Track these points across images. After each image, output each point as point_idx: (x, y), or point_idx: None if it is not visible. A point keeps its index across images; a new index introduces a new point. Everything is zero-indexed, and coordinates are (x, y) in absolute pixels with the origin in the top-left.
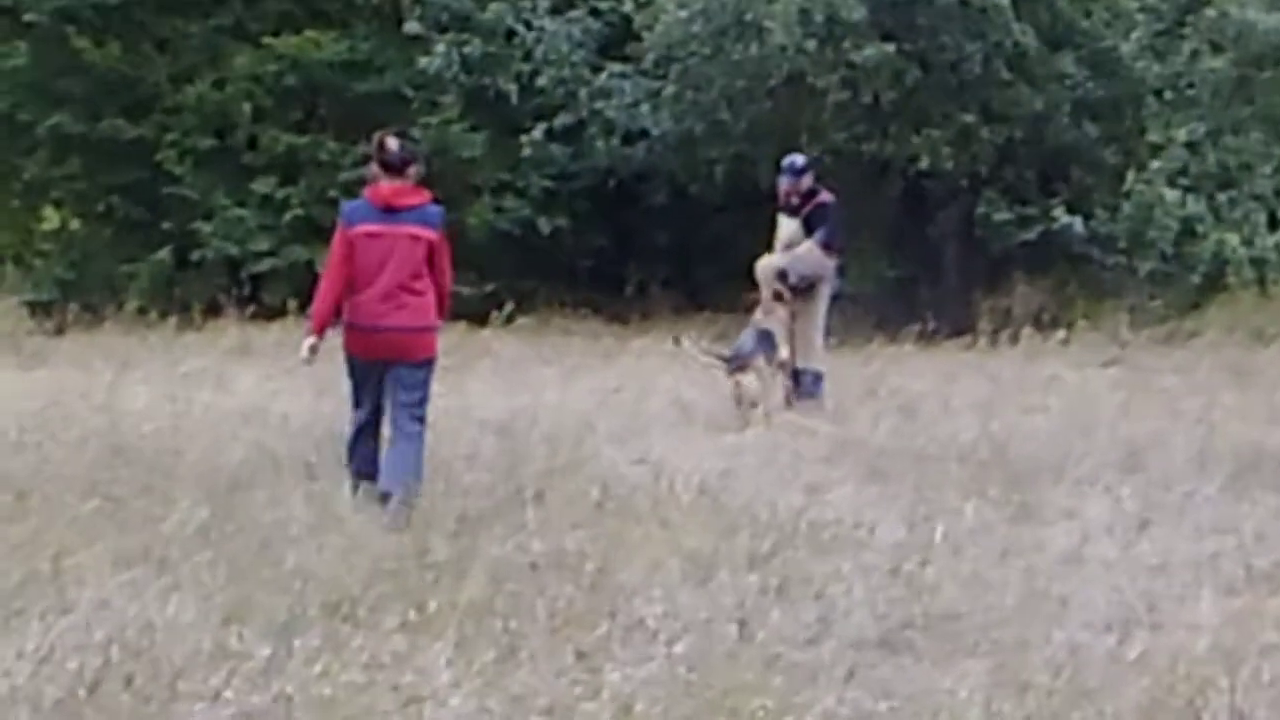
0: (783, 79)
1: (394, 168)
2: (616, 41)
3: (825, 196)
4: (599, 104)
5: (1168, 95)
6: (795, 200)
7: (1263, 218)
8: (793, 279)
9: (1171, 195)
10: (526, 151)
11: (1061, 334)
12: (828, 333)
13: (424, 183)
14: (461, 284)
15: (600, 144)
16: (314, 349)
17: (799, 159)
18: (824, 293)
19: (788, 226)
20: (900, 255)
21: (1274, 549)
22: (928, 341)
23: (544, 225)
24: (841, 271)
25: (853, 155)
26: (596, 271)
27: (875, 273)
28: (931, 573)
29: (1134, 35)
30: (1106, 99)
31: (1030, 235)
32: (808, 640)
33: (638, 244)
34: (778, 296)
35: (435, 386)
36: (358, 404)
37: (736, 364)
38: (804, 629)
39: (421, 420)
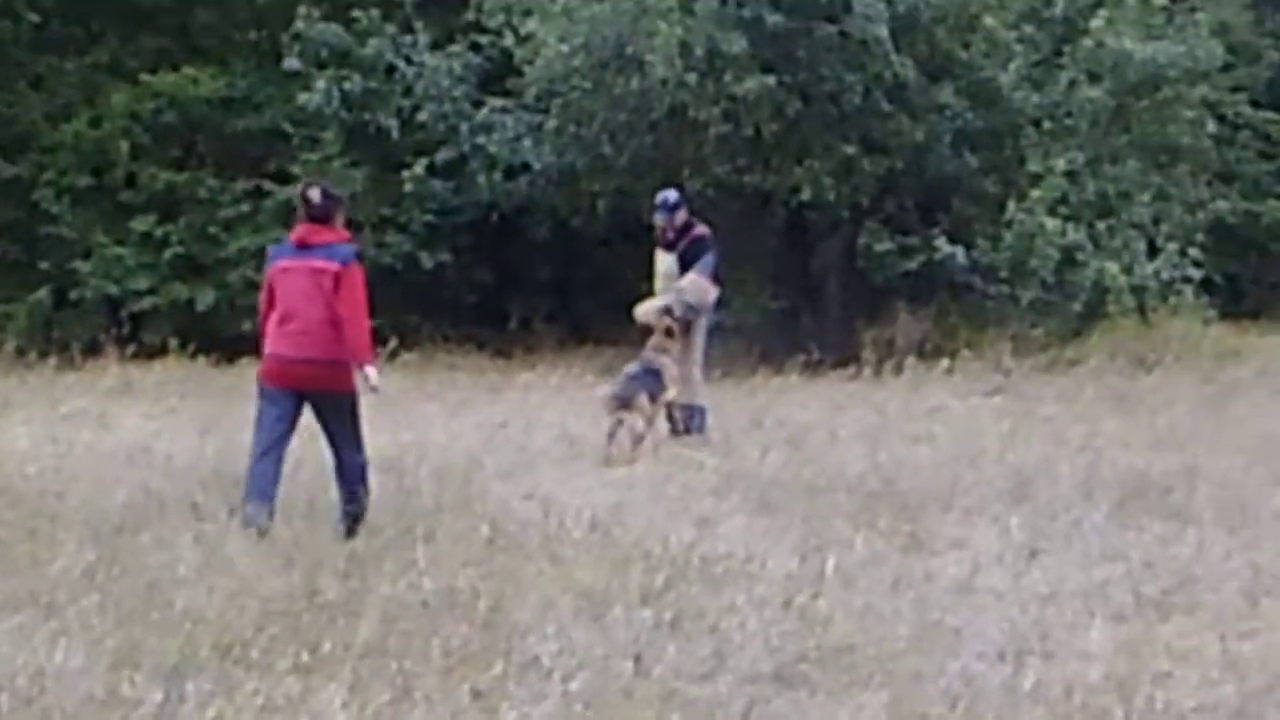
0: (664, 112)
1: (317, 217)
2: (497, 76)
3: (701, 230)
4: (480, 139)
5: (1046, 125)
6: (671, 235)
7: (1142, 246)
8: (678, 311)
9: (1052, 224)
10: (408, 187)
11: (945, 363)
12: (708, 365)
13: (348, 225)
14: None
15: (482, 179)
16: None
17: (671, 194)
18: (701, 326)
19: (665, 261)
20: (783, 286)
21: (1162, 576)
22: (812, 372)
23: (426, 260)
24: (720, 303)
25: (735, 187)
26: (480, 306)
27: (758, 304)
28: (824, 605)
29: (1012, 66)
30: (986, 129)
31: (912, 265)
32: (703, 675)
33: (521, 278)
34: (668, 333)
35: (313, 424)
36: (260, 427)
37: (619, 402)
38: (699, 664)
39: (358, 450)
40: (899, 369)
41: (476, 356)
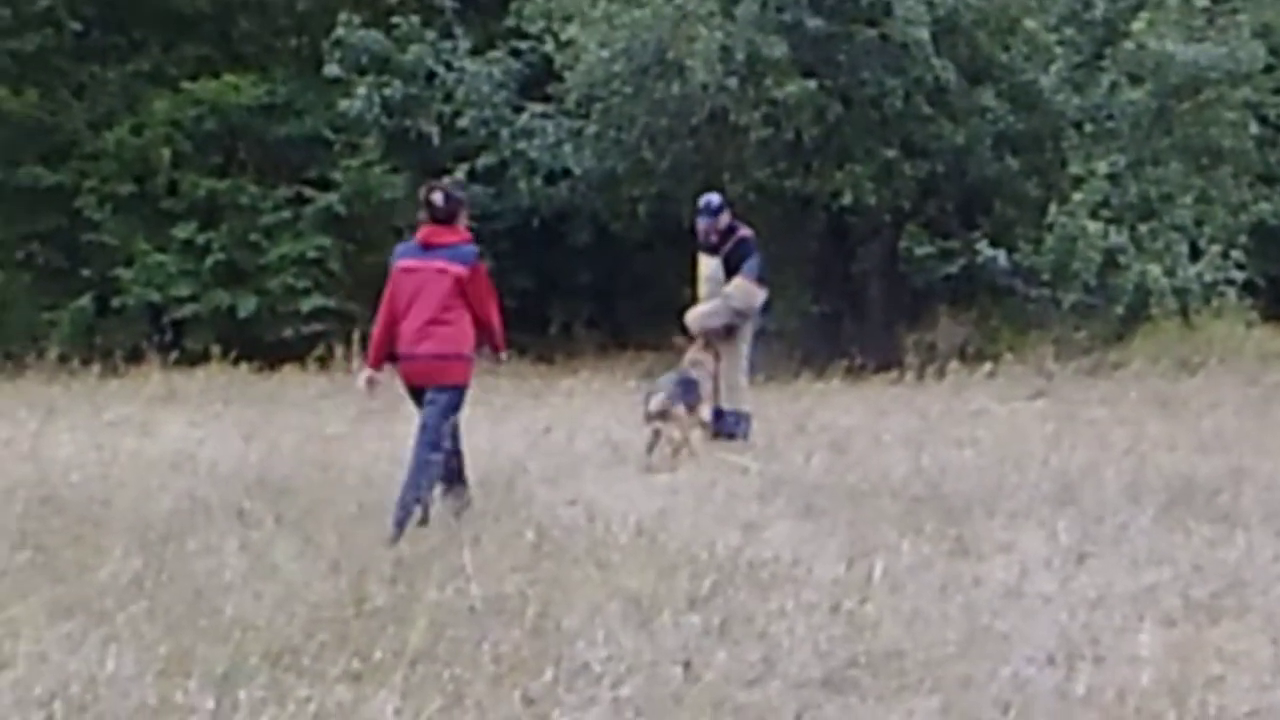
0: (705, 117)
1: (439, 219)
2: (538, 82)
3: (745, 232)
4: (521, 144)
5: (1088, 128)
6: (714, 239)
7: (1184, 248)
8: (723, 318)
9: (1094, 227)
10: None
11: (987, 367)
12: (752, 370)
13: (469, 227)
14: None
15: (523, 184)
16: (370, 381)
17: (715, 198)
18: (746, 332)
19: (708, 265)
20: (824, 291)
21: (1210, 579)
22: (854, 376)
23: None
24: (765, 308)
25: (775, 192)
26: (521, 312)
27: (800, 308)
28: (872, 610)
29: (1053, 68)
30: (1027, 132)
31: (953, 269)
32: (752, 681)
33: (561, 284)
34: (707, 346)
35: (362, 430)
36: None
37: (656, 411)
38: (748, 669)
39: (435, 447)
40: (941, 373)
41: (518, 362)
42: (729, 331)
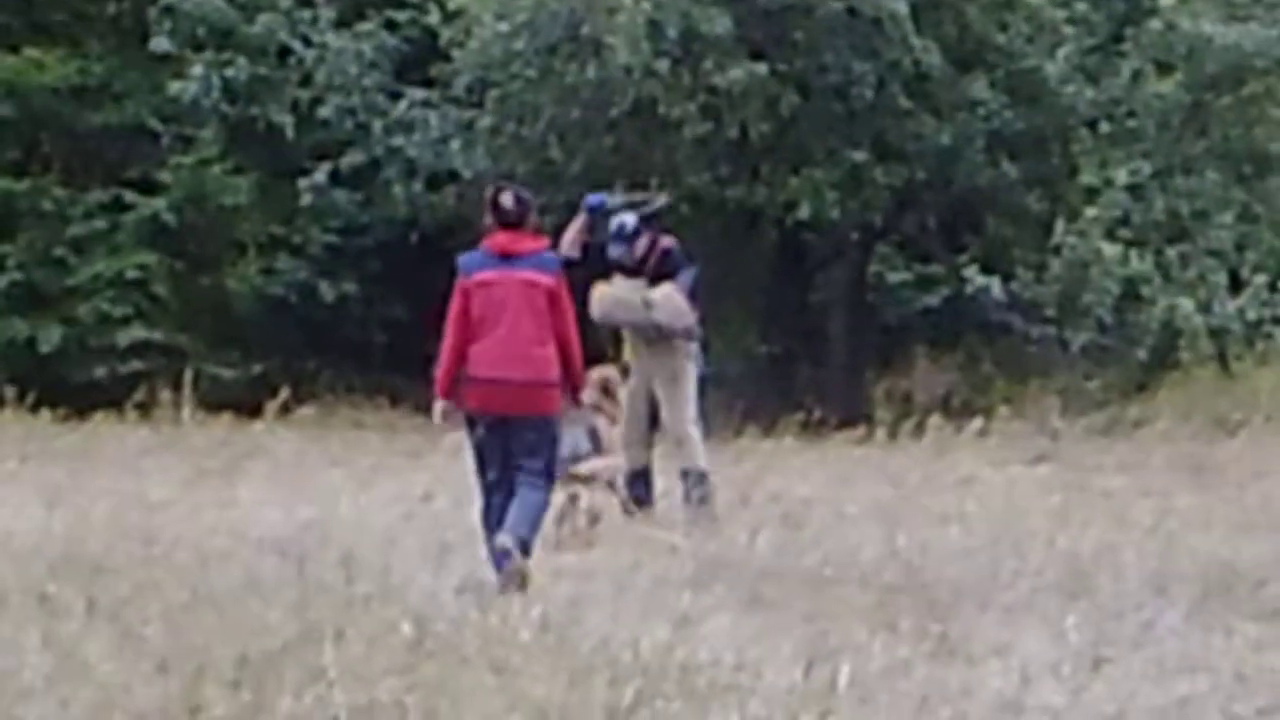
0: (627, 108)
1: (510, 223)
2: (419, 62)
3: (667, 242)
4: (397, 139)
5: (1104, 127)
6: (631, 264)
7: (1222, 278)
8: (641, 321)
9: (1111, 250)
10: (305, 199)
11: (977, 424)
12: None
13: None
14: (223, 364)
15: (399, 189)
16: (446, 414)
17: (629, 221)
18: (690, 372)
19: (625, 288)
20: (775, 326)
21: (1258, 691)
22: (812, 434)
23: (327, 291)
24: (705, 347)
25: (715, 202)
26: (394, 348)
27: (744, 348)
28: None
29: (1061, 53)
30: (1029, 131)
31: (934, 300)
32: None
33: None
34: (604, 390)
35: (195, 495)
36: (482, 471)
37: (568, 472)
38: None
39: (543, 488)
40: (919, 430)
41: (390, 412)
42: (665, 354)
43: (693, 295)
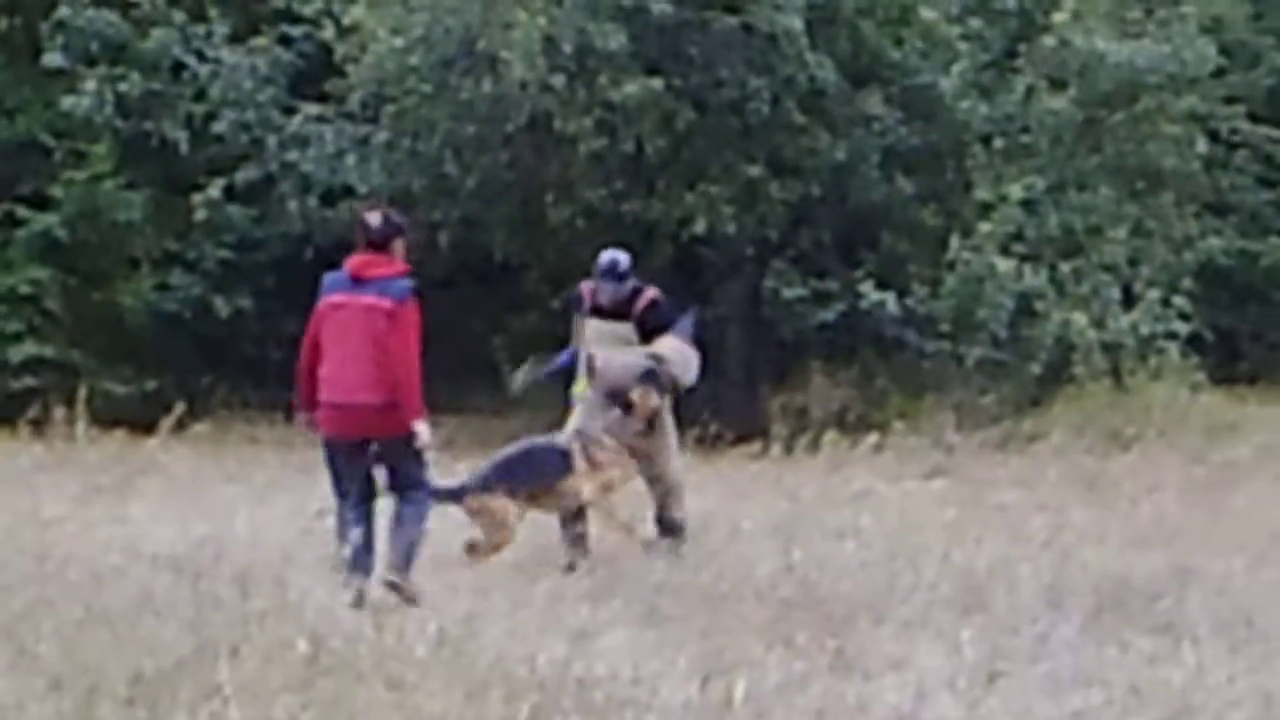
0: (523, 123)
1: (376, 244)
2: (313, 77)
3: (652, 292)
4: (291, 154)
5: (998, 142)
6: (607, 304)
7: (1116, 292)
8: (664, 380)
9: (1005, 266)
10: (200, 214)
11: (873, 438)
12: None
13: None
14: (117, 380)
15: (293, 204)
16: (310, 423)
17: (622, 259)
18: (668, 420)
19: (601, 329)
20: None
21: (1151, 705)
22: (707, 449)
23: (221, 307)
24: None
25: (611, 217)
26: (289, 364)
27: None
28: None
29: (956, 70)
30: (924, 147)
31: (830, 316)
32: None
33: None
34: (627, 407)
35: (88, 512)
36: (339, 492)
37: (470, 490)
38: None
39: (419, 501)
40: (815, 445)
41: (285, 428)
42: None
43: (699, 343)
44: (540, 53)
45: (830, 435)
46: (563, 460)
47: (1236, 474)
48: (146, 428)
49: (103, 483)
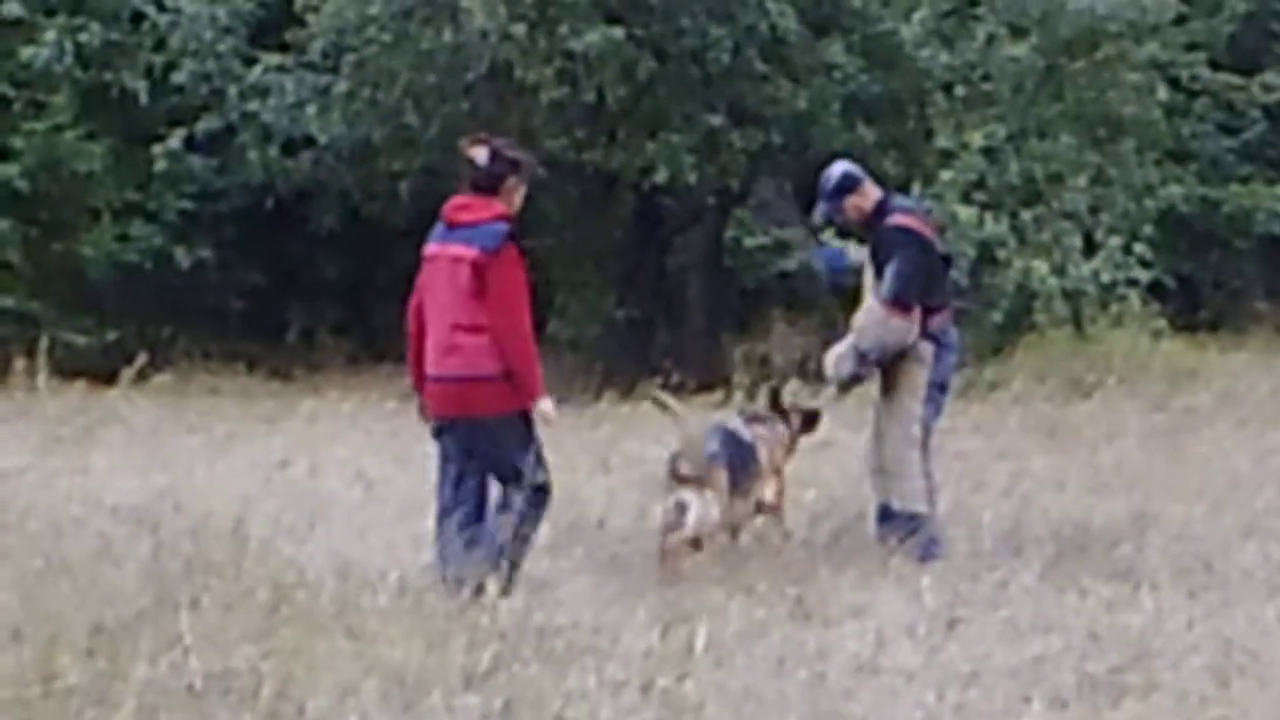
0: (484, 72)
1: (481, 187)
2: (273, 27)
3: (900, 219)
4: (252, 105)
5: (959, 90)
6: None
7: (1077, 240)
8: (848, 367)
9: (966, 213)
10: (160, 165)
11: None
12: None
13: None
14: (77, 331)
15: (254, 155)
16: (422, 408)
17: (837, 169)
18: (916, 379)
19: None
20: (632, 291)
21: (1110, 650)
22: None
23: (182, 257)
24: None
25: (572, 166)
26: (250, 315)
27: (602, 312)
28: (693, 689)
29: (917, 18)
30: (885, 95)
31: (791, 265)
32: None
33: (302, 280)
34: (777, 407)
35: (49, 463)
36: (440, 496)
37: (685, 470)
38: None
39: (515, 502)
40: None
41: (247, 378)
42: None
43: (898, 298)
44: (501, 1)
45: (792, 384)
46: (752, 455)
47: (1197, 421)
48: (107, 379)
49: (63, 434)
